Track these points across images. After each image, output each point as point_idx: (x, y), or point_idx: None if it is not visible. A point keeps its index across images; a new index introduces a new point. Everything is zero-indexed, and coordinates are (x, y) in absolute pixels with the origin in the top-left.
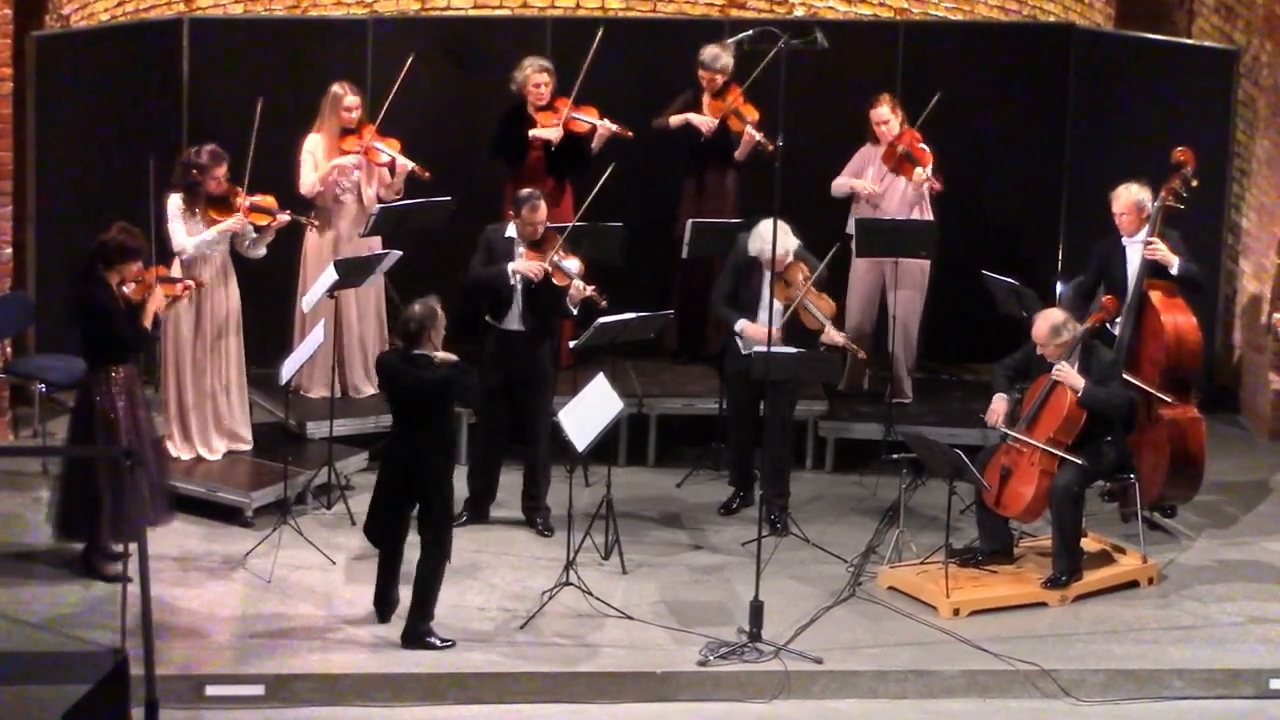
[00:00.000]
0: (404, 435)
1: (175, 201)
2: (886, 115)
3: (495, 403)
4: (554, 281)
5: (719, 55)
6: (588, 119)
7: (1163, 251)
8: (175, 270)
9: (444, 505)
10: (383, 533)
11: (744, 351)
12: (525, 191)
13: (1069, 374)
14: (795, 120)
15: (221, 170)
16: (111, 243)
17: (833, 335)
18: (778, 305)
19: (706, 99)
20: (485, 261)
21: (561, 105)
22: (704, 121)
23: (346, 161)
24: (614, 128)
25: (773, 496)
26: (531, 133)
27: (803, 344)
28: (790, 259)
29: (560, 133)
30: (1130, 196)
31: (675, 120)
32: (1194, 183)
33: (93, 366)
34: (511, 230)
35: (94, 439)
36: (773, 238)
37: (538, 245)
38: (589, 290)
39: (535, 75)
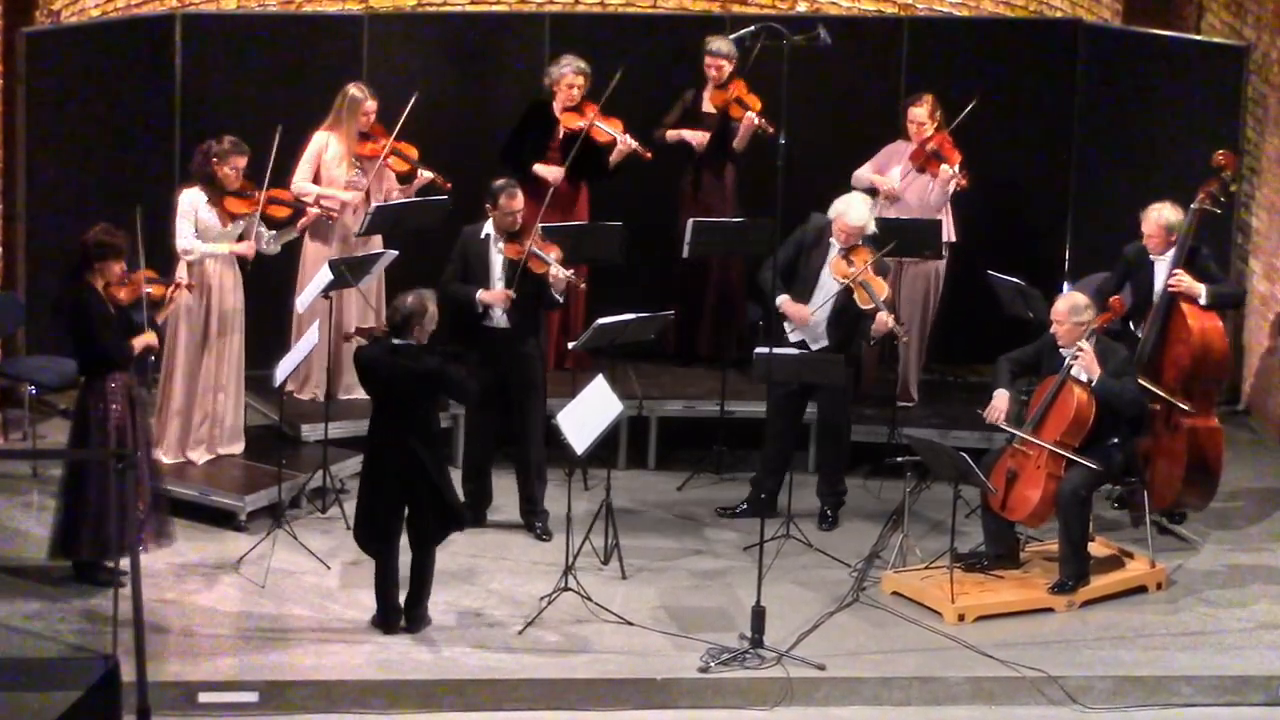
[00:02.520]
0: (388, 431)
1: (191, 196)
2: (923, 118)
3: (483, 403)
4: (533, 270)
5: (725, 44)
6: (611, 130)
7: (1187, 283)
8: (181, 271)
9: (443, 497)
10: (380, 536)
11: (788, 333)
12: (501, 181)
13: (1089, 357)
14: (798, 118)
15: (242, 161)
16: (91, 242)
17: (884, 319)
18: (834, 285)
19: (710, 90)
20: (460, 269)
21: (589, 109)
22: (696, 137)
23: (346, 197)
24: (634, 144)
25: (825, 492)
26: (536, 169)
27: (853, 327)
28: (864, 235)
29: (560, 173)
30: (1160, 220)
31: (670, 136)
32: (1233, 187)
33: (87, 374)
34: (488, 227)
35: (92, 448)
36: (849, 212)
37: (515, 237)
38: (568, 275)
39: (572, 77)
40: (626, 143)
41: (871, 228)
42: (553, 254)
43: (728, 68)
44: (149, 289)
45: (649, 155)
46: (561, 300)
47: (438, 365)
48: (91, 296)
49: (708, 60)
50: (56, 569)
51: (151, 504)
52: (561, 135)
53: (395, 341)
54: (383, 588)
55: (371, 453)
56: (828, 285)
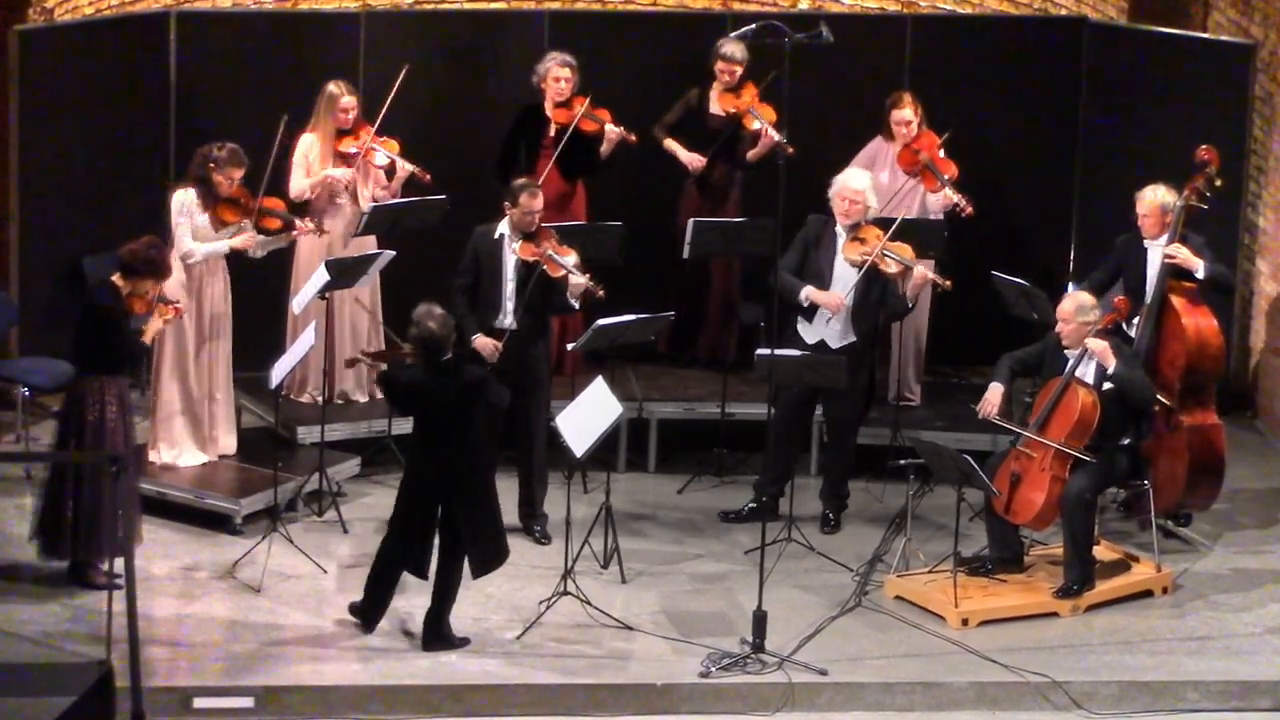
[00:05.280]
0: (435, 448)
1: (186, 197)
2: (910, 117)
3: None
4: (549, 274)
5: (738, 48)
6: (597, 119)
7: (1183, 255)
8: (178, 292)
9: (482, 513)
10: (419, 558)
11: (811, 327)
12: (522, 180)
13: (1104, 347)
14: (800, 116)
15: (238, 173)
16: (142, 254)
17: (920, 273)
18: (852, 273)
19: (718, 92)
20: (471, 270)
21: (578, 103)
22: (691, 160)
23: (339, 175)
24: (619, 130)
25: (829, 495)
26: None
27: (877, 314)
28: (866, 208)
29: (545, 169)
30: (1155, 199)
31: (667, 145)
32: (1218, 182)
33: (84, 372)
34: (502, 227)
35: (82, 448)
36: (848, 179)
37: (532, 238)
38: (586, 281)
39: (557, 69)
40: (612, 130)
41: (873, 201)
42: (570, 258)
43: (738, 71)
44: (159, 307)
45: (633, 139)
46: (577, 306)
47: (483, 373)
48: (118, 301)
49: (720, 65)
50: (50, 573)
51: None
52: (553, 132)
53: (442, 359)
54: (380, 593)
55: (416, 472)
56: (844, 275)
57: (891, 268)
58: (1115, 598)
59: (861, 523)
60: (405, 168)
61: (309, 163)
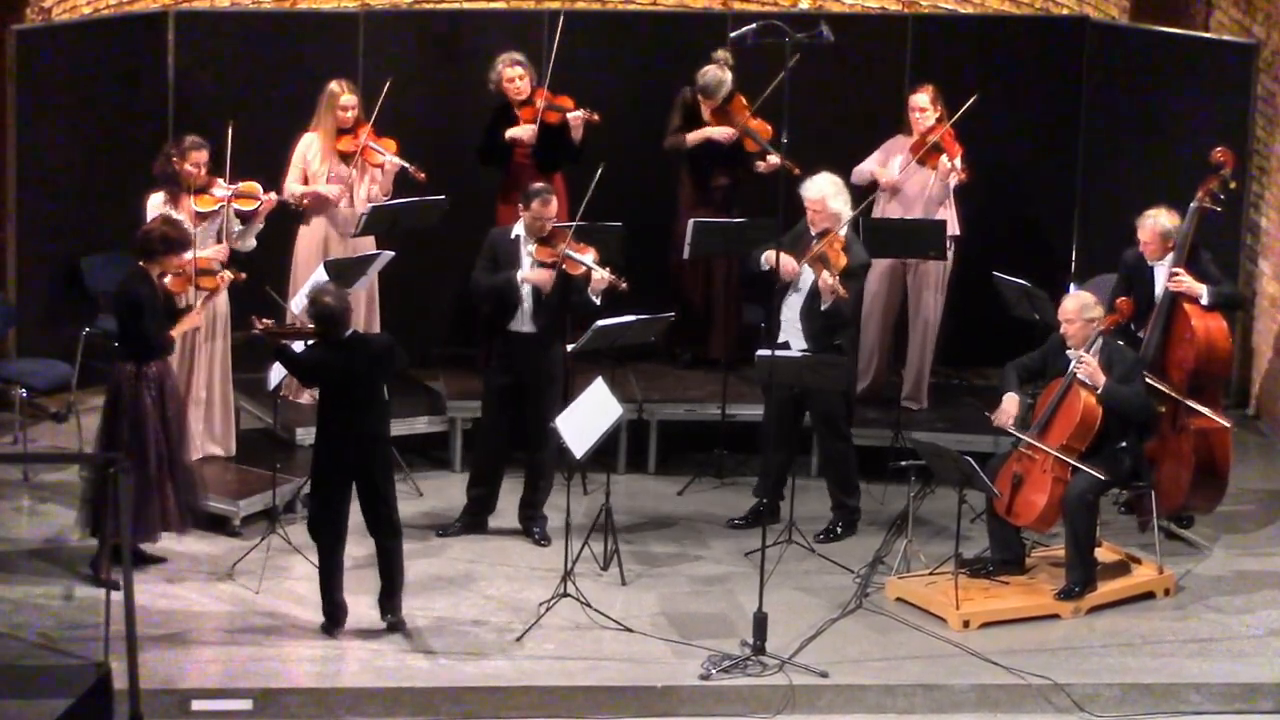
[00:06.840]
0: (349, 419)
1: (155, 201)
2: (925, 104)
3: (500, 408)
4: (569, 274)
5: (722, 80)
6: (559, 107)
7: (1188, 282)
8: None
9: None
10: (335, 526)
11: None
12: (536, 186)
13: (1092, 367)
14: (800, 117)
15: (200, 155)
16: (155, 234)
17: (825, 279)
18: (808, 272)
19: (709, 117)
20: (490, 268)
21: (539, 97)
22: (722, 133)
23: (328, 193)
24: (581, 114)
25: (834, 505)
26: (508, 133)
27: (826, 320)
28: (833, 216)
29: (533, 131)
30: (1156, 226)
31: (693, 138)
32: (1233, 184)
33: (126, 360)
34: (518, 229)
35: (122, 434)
36: (806, 189)
37: (547, 241)
38: (609, 276)
39: (508, 70)
40: (575, 116)
41: (836, 206)
42: (589, 255)
43: (717, 102)
44: (200, 280)
45: (596, 118)
46: (599, 303)
47: (392, 340)
48: (146, 286)
49: (701, 100)
50: (49, 575)
51: (184, 486)
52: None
53: (342, 335)
54: (331, 585)
55: (330, 444)
56: (807, 275)
57: (817, 273)
58: (1117, 599)
59: (862, 524)
60: (395, 162)
61: (306, 162)
